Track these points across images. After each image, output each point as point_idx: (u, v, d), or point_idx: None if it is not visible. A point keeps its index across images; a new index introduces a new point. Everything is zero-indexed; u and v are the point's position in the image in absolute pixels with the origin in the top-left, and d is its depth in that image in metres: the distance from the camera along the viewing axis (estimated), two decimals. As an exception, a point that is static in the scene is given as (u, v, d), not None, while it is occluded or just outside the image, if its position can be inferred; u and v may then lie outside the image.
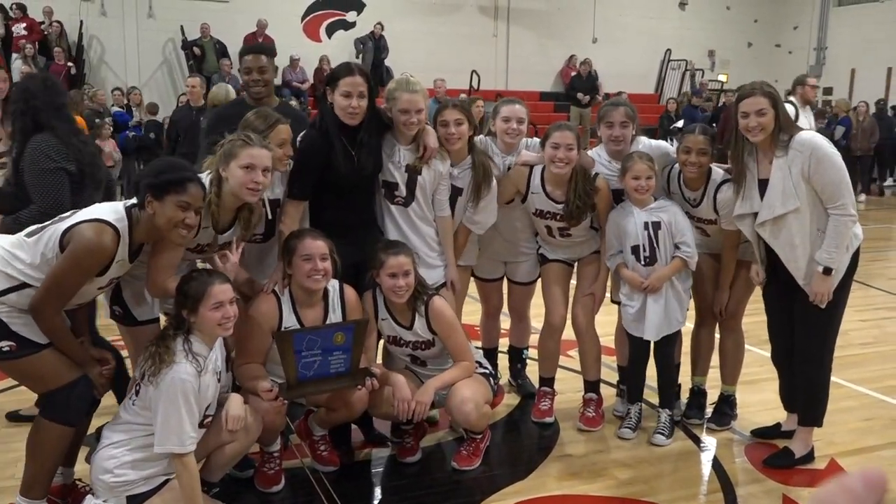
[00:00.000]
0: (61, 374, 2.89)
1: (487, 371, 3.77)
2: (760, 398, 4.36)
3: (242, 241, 3.29)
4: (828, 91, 19.00)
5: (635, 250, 3.83)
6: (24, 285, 2.78)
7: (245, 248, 3.34)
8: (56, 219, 2.90)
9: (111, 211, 2.88)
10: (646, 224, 3.79)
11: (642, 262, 3.82)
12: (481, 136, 4.05)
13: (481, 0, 17.61)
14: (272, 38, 14.18)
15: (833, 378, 3.75)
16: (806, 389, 3.66)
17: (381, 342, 3.78)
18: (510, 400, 4.47)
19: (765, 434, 3.95)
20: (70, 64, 13.21)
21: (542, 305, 4.21)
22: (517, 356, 4.62)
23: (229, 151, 3.07)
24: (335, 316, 3.47)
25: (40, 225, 2.90)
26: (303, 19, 16.25)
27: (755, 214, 3.54)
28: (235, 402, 3.09)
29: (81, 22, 14.02)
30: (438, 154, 3.69)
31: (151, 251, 3.03)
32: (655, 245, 3.79)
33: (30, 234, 2.86)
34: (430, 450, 3.82)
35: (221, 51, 14.55)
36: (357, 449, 3.81)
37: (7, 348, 2.79)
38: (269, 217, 3.44)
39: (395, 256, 3.43)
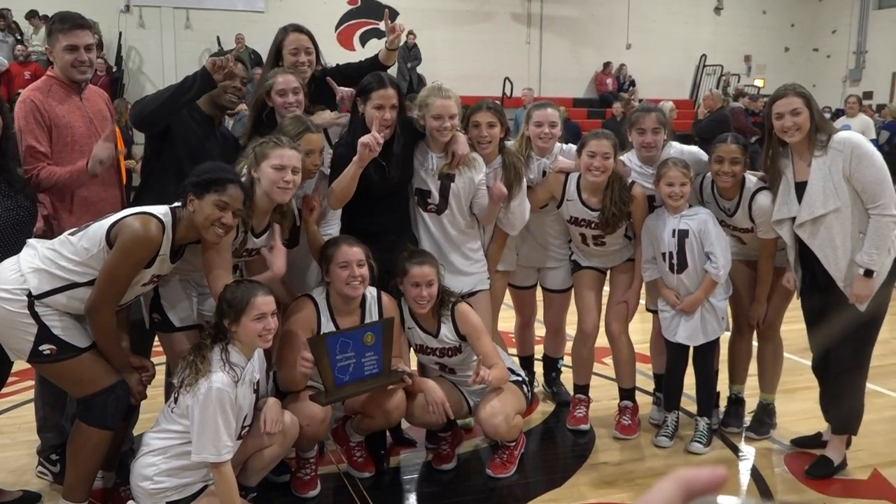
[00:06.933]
0: (99, 378, 2.94)
1: (521, 378, 3.75)
2: (800, 407, 4.29)
3: (285, 233, 3.32)
4: (868, 95, 18.67)
5: (664, 257, 3.81)
6: (72, 285, 2.84)
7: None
8: (100, 217, 2.96)
9: (157, 207, 2.95)
10: (674, 231, 3.76)
11: (669, 269, 3.80)
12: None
13: (514, 7, 17.59)
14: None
15: (875, 387, 3.69)
16: (842, 396, 3.60)
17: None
18: (545, 407, 4.46)
19: (805, 443, 3.88)
20: (108, 74, 13.41)
21: (576, 313, 4.19)
22: (552, 365, 4.60)
23: (261, 153, 3.13)
24: (371, 322, 3.48)
25: (85, 224, 2.97)
26: (337, 28, 16.34)
27: (793, 219, 3.50)
28: (273, 405, 3.12)
29: (120, 34, 14.27)
30: (471, 162, 3.68)
31: (203, 260, 3.07)
32: (683, 253, 3.76)
33: (73, 233, 2.93)
34: (465, 457, 3.82)
35: (256, 60, 14.64)
36: (392, 455, 3.82)
37: (48, 351, 2.85)
38: (297, 224, 3.48)
39: (420, 266, 3.43)
